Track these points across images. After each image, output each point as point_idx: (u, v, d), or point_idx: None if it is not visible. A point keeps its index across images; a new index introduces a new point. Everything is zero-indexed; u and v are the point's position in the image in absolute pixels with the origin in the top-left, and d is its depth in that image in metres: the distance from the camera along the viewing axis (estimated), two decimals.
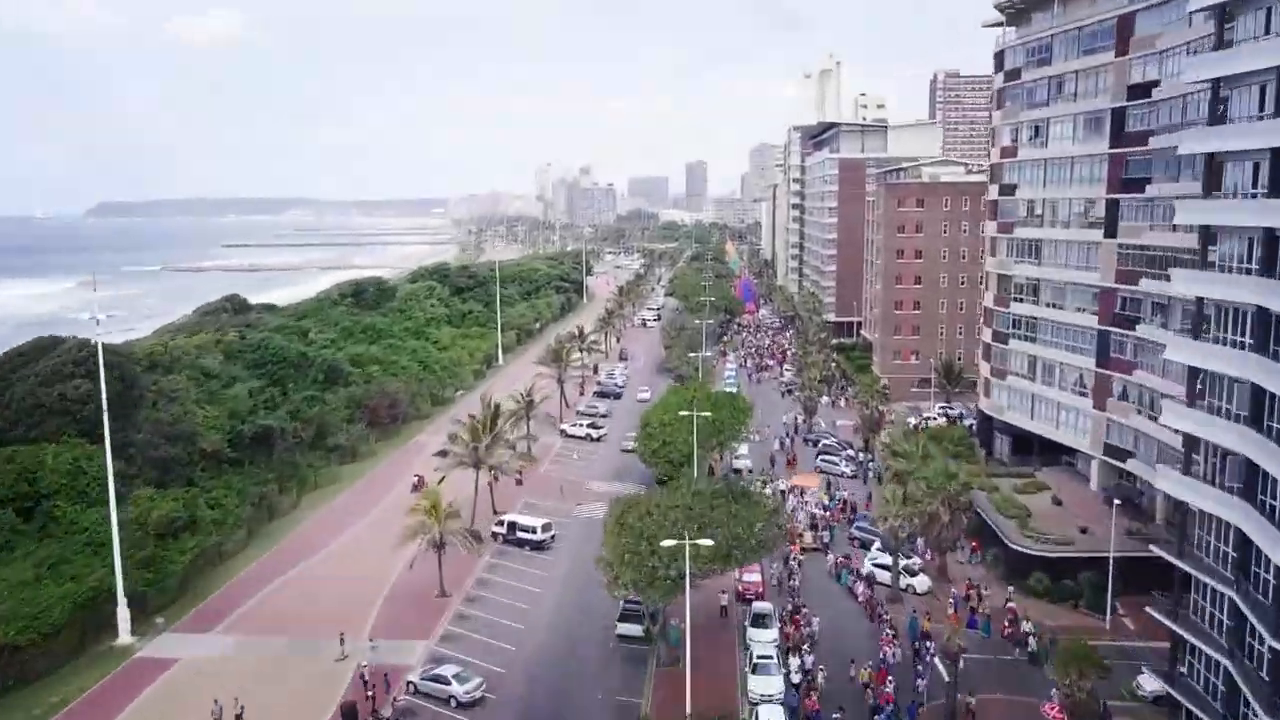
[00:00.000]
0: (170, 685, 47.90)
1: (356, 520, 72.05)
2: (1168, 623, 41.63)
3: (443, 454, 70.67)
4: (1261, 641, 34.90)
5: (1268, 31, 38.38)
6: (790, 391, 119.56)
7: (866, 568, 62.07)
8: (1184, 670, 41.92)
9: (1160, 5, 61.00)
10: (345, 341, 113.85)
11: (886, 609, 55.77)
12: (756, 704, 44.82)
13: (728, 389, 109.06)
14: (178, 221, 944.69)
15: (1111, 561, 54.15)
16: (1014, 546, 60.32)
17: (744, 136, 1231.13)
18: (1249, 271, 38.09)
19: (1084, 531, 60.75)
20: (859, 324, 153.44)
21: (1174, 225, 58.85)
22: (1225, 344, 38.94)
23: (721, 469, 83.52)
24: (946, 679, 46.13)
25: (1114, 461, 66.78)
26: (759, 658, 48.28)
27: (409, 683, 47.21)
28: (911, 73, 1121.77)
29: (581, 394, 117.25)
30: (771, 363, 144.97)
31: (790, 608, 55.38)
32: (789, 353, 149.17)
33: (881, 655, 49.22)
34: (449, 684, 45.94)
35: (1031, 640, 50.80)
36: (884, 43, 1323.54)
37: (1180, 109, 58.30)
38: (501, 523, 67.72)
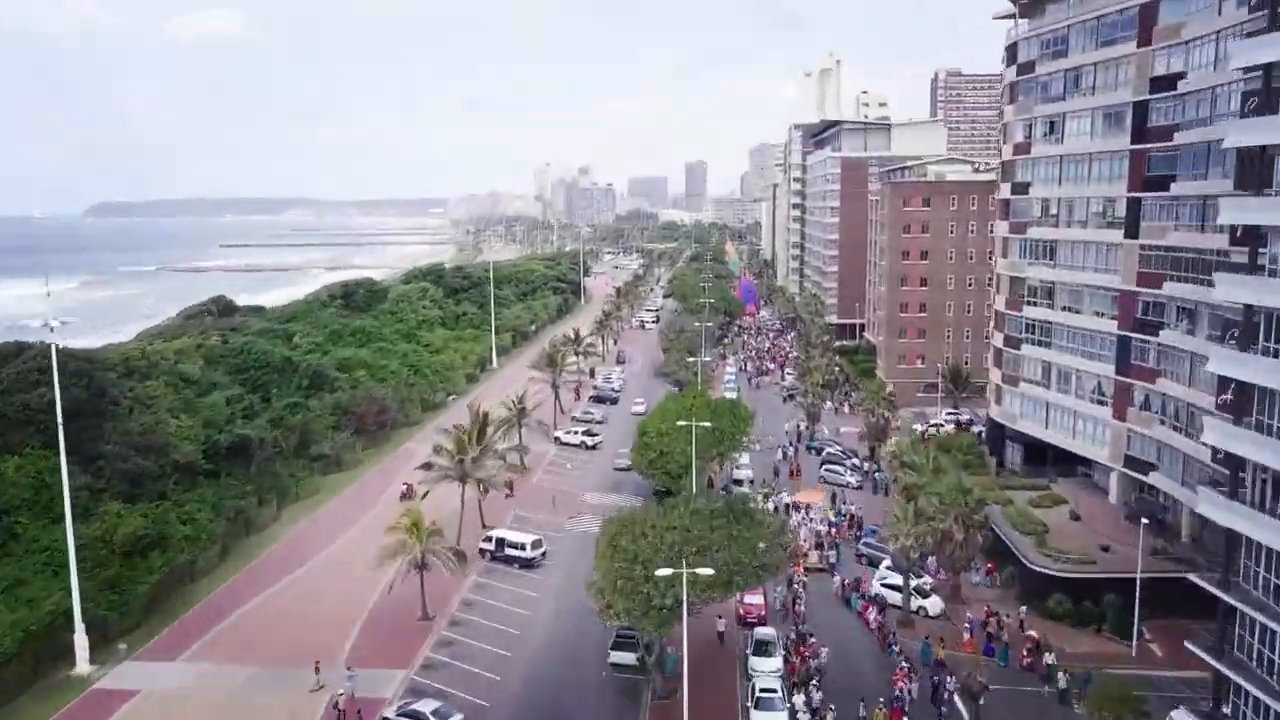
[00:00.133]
0: None
1: (339, 534, 68.60)
2: (1211, 661, 38.17)
3: (427, 466, 67.15)
4: None
5: None
6: (792, 397, 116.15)
7: (875, 588, 58.56)
8: (1227, 712, 38.46)
9: None
10: (333, 345, 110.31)
11: (898, 636, 52.11)
12: None
13: (727, 393, 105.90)
14: (177, 221, 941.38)
15: (1139, 584, 50.64)
16: (1031, 566, 56.79)
17: (744, 136, 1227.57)
18: None
19: (1106, 550, 57.27)
20: (861, 326, 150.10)
21: (1201, 225, 55.76)
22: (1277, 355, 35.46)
23: (722, 479, 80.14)
24: (966, 718, 42.68)
25: (1135, 474, 63.37)
26: (762, 690, 44.74)
27: (383, 718, 43.80)
28: (911, 72, 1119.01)
29: (577, 399, 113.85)
30: (773, 366, 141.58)
31: (795, 635, 51.74)
32: (790, 356, 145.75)
33: (896, 692, 45.57)
34: None
35: (1061, 677, 46.93)
36: (884, 43, 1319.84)
37: (1209, 102, 54.90)
38: (489, 539, 64.26)
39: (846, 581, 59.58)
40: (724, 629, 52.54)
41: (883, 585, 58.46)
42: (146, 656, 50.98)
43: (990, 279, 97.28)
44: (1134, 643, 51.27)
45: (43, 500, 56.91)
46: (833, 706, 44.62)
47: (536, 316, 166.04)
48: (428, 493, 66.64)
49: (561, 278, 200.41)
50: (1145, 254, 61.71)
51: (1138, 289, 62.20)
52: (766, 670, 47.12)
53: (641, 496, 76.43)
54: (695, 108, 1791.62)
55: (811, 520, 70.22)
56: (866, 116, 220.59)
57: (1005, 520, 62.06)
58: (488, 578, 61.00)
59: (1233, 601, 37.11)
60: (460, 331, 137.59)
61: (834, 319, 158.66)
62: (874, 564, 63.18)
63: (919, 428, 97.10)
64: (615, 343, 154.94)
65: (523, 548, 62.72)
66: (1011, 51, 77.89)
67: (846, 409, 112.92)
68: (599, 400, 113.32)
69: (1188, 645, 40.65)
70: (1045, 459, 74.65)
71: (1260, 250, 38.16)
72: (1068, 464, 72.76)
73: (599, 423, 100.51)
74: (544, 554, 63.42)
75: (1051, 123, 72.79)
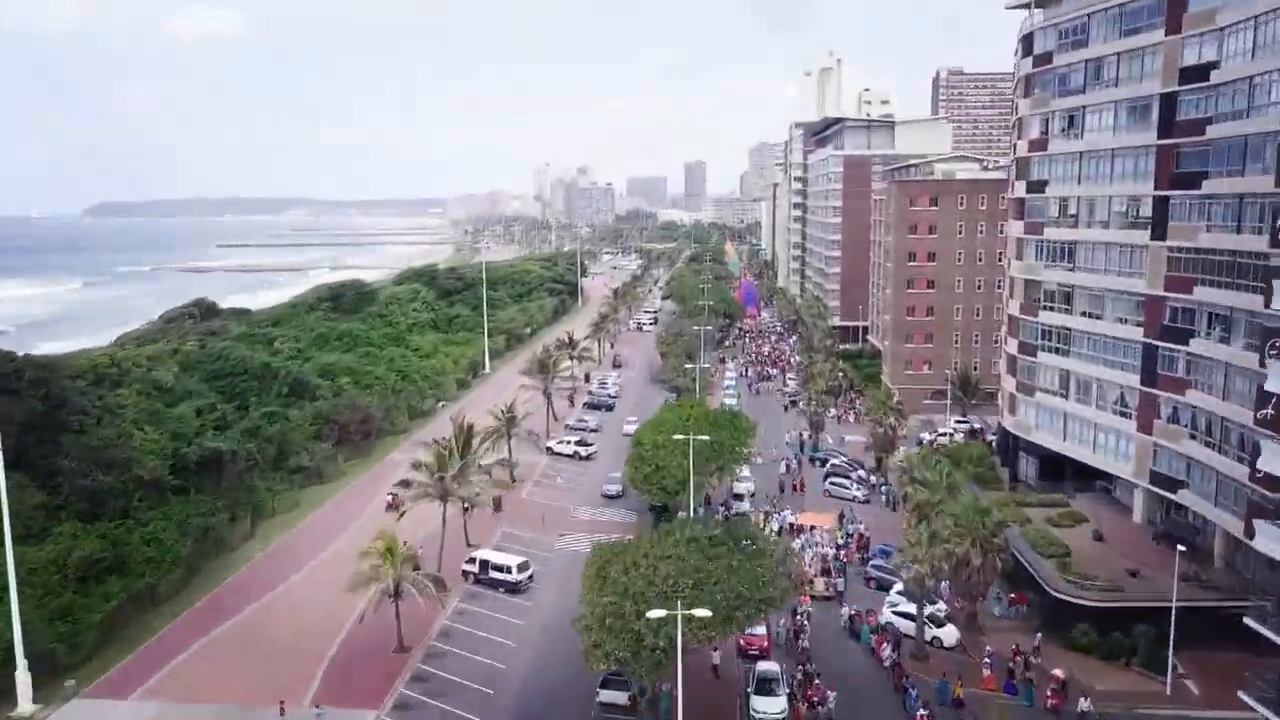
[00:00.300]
0: None
1: (316, 553, 64.54)
2: (1269, 715, 34.10)
3: (405, 484, 62.94)
4: None
5: None
6: (794, 404, 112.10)
7: (886, 616, 54.44)
8: None
9: None
10: (316, 350, 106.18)
11: (913, 674, 47.84)
12: None
13: (727, 400, 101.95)
14: (177, 221, 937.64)
15: (1174, 615, 46.57)
16: (1054, 593, 52.63)
17: (743, 136, 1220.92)
18: None
19: (1134, 575, 53.19)
20: (864, 329, 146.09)
21: (1238, 226, 51.77)
22: None
23: (720, 493, 76.08)
24: None
25: (1162, 491, 59.32)
26: None
27: None
28: (911, 73, 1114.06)
29: (571, 405, 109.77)
30: (774, 371, 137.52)
31: (802, 675, 47.46)
32: (792, 360, 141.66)
33: None
34: None
35: None
36: (884, 42, 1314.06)
37: (1246, 93, 50.88)
38: (472, 560, 60.12)
39: (855, 613, 55.22)
40: (718, 662, 48.48)
41: (894, 613, 54.35)
42: (97, 693, 46.94)
43: (1001, 282, 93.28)
44: (1168, 679, 47.21)
45: None
46: None
47: (532, 319, 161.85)
48: (405, 511, 62.60)
49: (558, 279, 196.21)
50: (1174, 256, 57.74)
51: (1165, 294, 58.24)
52: (770, 712, 43.21)
53: (636, 511, 72.62)
54: (695, 108, 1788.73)
55: (818, 544, 65.78)
56: (869, 115, 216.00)
57: (1025, 542, 57.92)
58: (470, 603, 56.93)
59: None
60: (452, 335, 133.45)
61: (836, 321, 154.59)
62: (883, 587, 59.15)
63: (927, 436, 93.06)
64: (612, 346, 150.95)
65: (508, 571, 58.60)
66: (1027, 42, 73.79)
67: (851, 417, 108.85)
68: (594, 407, 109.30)
69: (1242, 695, 36.67)
70: (1063, 472, 70.49)
71: None
72: (1086, 478, 68.74)
73: (593, 431, 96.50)
74: (531, 577, 59.33)
75: (1070, 117, 68.74)
